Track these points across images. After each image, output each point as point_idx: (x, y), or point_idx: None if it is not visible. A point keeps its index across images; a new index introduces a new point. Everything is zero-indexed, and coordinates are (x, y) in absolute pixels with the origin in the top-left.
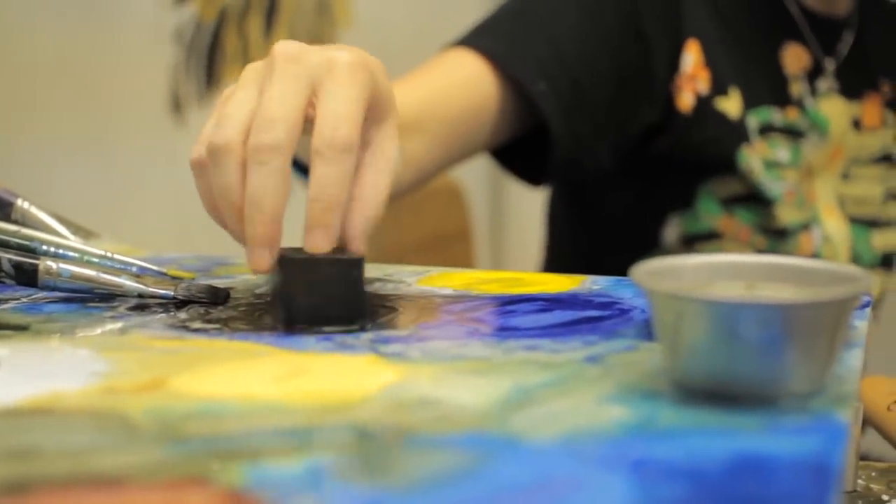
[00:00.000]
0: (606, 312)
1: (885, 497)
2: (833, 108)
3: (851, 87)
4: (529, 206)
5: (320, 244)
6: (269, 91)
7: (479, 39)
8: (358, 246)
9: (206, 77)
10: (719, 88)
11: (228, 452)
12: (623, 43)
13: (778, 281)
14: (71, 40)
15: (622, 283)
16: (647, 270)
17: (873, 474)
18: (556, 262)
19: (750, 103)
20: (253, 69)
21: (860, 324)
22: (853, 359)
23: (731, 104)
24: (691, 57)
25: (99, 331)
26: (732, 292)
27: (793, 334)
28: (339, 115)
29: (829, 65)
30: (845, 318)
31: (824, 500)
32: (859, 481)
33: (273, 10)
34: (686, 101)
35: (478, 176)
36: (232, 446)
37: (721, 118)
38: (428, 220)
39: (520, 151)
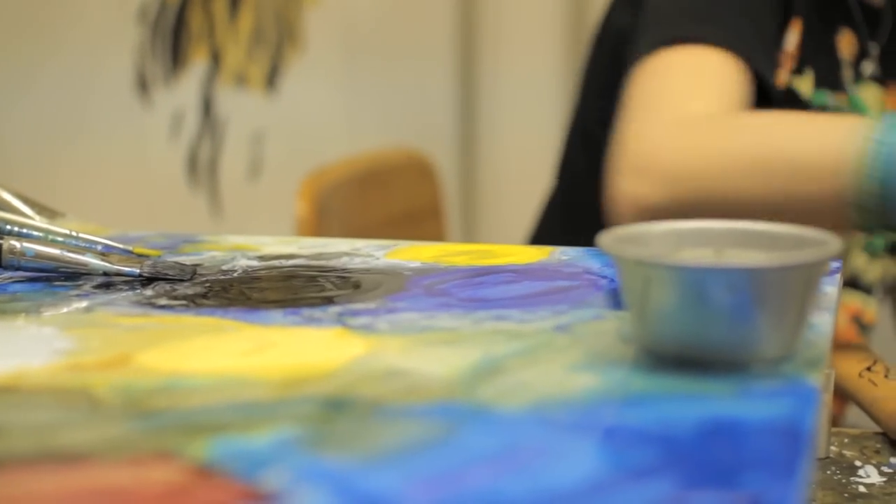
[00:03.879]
0: (575, 282)
1: (857, 463)
2: (870, 95)
3: (888, 74)
4: (501, 181)
5: None
6: None
7: (716, 33)
8: None
9: (172, 57)
10: (800, 67)
11: (195, 427)
12: (773, 19)
13: (746, 247)
14: (34, 18)
15: (591, 253)
16: (615, 237)
17: (846, 440)
18: (562, 208)
19: (816, 85)
20: None
21: (830, 289)
22: (823, 324)
23: (804, 84)
24: (794, 35)
25: (64, 309)
26: (701, 258)
27: (762, 299)
28: None
29: (874, 49)
30: (815, 282)
31: (796, 463)
32: (832, 448)
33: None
34: (782, 77)
35: (448, 150)
36: (198, 420)
37: (797, 98)
38: (398, 196)
39: None
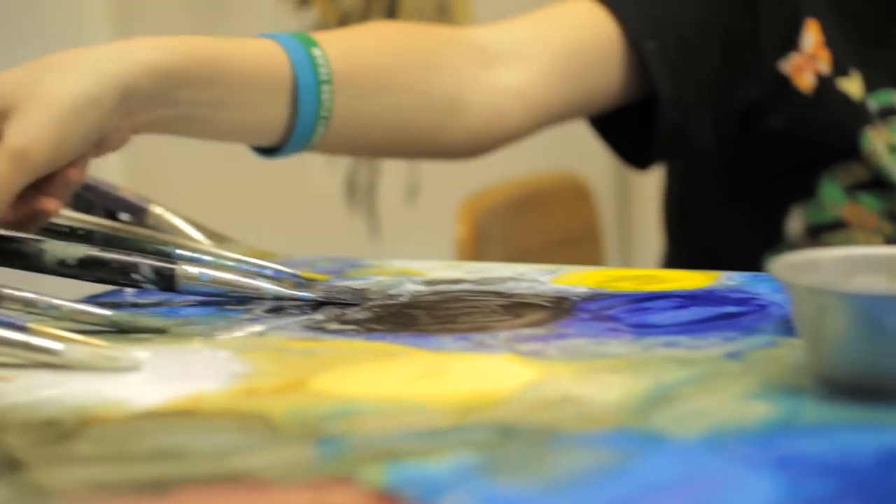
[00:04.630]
0: (744, 308)
1: None
2: None
3: None
4: (656, 204)
5: None
6: None
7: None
8: None
9: None
10: (840, 69)
11: (372, 452)
12: (731, 13)
13: None
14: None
15: (759, 279)
16: (786, 264)
17: None
18: (676, 257)
19: (870, 86)
20: None
21: None
22: None
23: (852, 85)
24: (811, 36)
25: (237, 333)
26: (874, 285)
27: None
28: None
29: None
30: None
31: None
32: None
33: (393, 12)
34: (807, 80)
35: (604, 174)
36: (375, 446)
37: (843, 99)
38: (555, 221)
39: (626, 132)
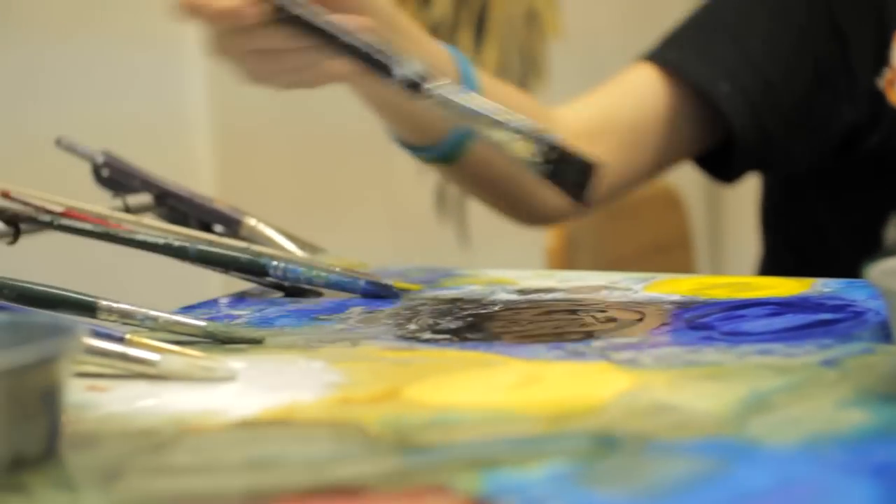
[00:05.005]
0: (840, 315)
1: None
2: None
3: None
4: (748, 210)
5: None
6: None
7: (662, 52)
8: None
9: None
10: None
11: (467, 461)
12: (817, 40)
13: None
14: None
15: (854, 285)
16: (883, 270)
17: None
18: (773, 266)
19: None
20: None
21: None
22: None
23: None
24: None
25: (331, 342)
26: None
27: None
28: None
29: None
30: None
31: None
32: None
33: (482, 23)
34: (894, 95)
35: (694, 181)
36: (470, 454)
37: None
38: (646, 228)
39: (713, 150)
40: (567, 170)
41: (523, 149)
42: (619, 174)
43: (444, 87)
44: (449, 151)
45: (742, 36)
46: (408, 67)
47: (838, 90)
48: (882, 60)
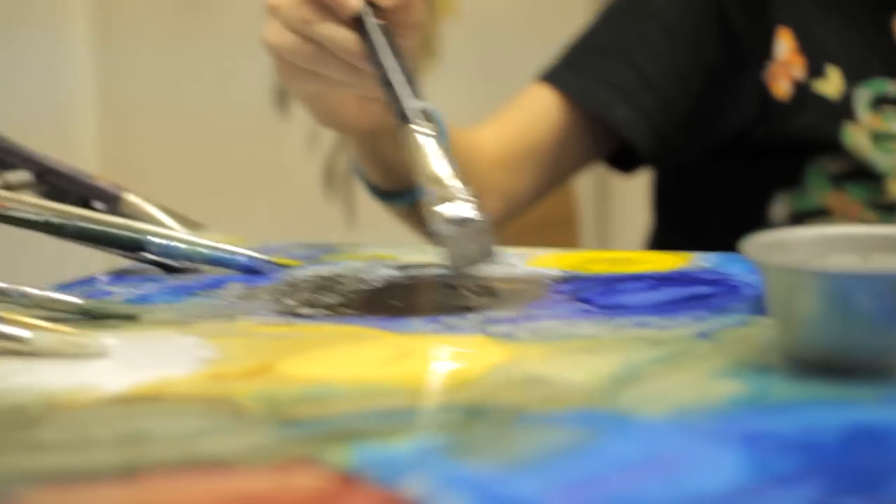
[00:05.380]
0: (716, 289)
1: None
2: None
3: None
4: (635, 188)
5: None
6: None
7: (559, 74)
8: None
9: None
10: (815, 71)
11: (337, 434)
12: (709, 48)
13: (893, 252)
14: (175, 36)
15: (731, 259)
16: (759, 244)
17: None
18: (661, 241)
19: (859, 77)
20: None
21: None
22: None
23: (829, 85)
24: (784, 44)
25: (207, 318)
26: (847, 264)
27: None
28: None
29: None
30: None
31: None
32: None
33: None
34: (782, 88)
35: None
36: (340, 428)
37: (820, 101)
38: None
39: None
40: (464, 245)
41: (440, 212)
42: (527, 197)
43: (425, 132)
44: (416, 198)
45: (638, 58)
46: (420, 102)
47: (729, 90)
48: (767, 55)
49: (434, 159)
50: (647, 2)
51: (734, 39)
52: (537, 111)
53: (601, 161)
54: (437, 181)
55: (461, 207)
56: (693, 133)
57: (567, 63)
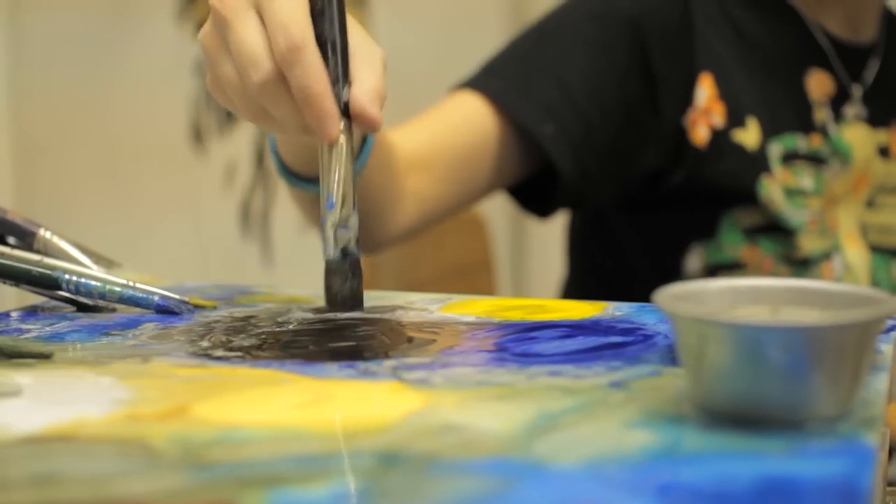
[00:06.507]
0: (629, 338)
1: None
2: (857, 136)
3: (879, 115)
4: (551, 235)
5: (330, 131)
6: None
7: (487, 82)
8: (373, 113)
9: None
10: (736, 120)
11: (251, 478)
12: (631, 80)
13: (802, 305)
14: (91, 71)
15: (645, 310)
16: (671, 294)
17: None
18: (576, 290)
19: (773, 130)
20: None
21: (886, 347)
22: (879, 382)
23: (748, 135)
24: (704, 91)
25: (121, 359)
26: (757, 316)
27: (818, 357)
28: (283, 21)
29: (857, 91)
30: (870, 341)
31: None
32: None
33: None
34: (700, 135)
35: (499, 206)
36: (254, 472)
37: (738, 150)
38: (449, 251)
39: (527, 183)
40: (349, 276)
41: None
42: (441, 203)
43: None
44: None
45: (564, 75)
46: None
47: (645, 130)
48: (687, 101)
49: (341, 171)
50: (574, 25)
51: (653, 79)
52: (464, 116)
53: (520, 181)
54: (339, 198)
55: (345, 237)
56: (610, 168)
57: (492, 71)
